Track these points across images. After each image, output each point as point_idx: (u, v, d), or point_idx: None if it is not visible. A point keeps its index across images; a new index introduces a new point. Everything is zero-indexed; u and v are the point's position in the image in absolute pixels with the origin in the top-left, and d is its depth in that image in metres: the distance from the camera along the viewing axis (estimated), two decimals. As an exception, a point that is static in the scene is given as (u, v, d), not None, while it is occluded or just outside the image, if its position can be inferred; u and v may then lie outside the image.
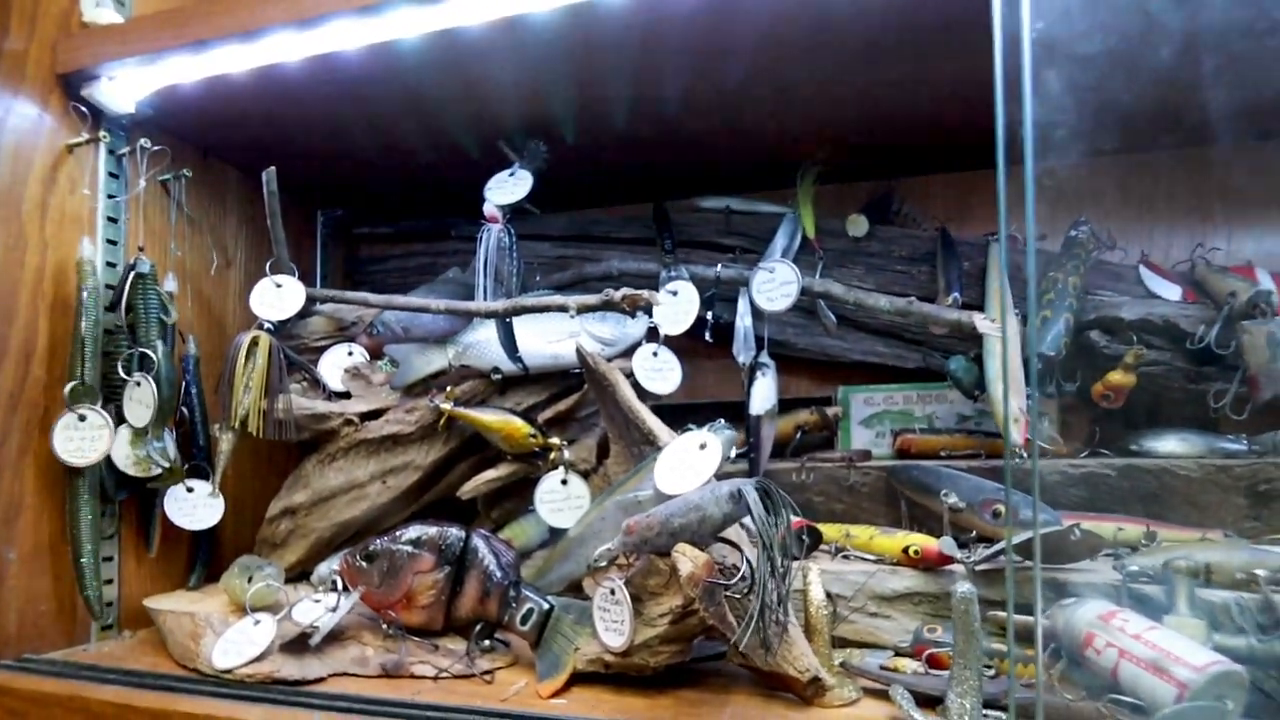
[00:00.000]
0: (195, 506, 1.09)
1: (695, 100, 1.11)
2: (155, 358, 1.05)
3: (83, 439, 0.98)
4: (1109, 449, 1.11)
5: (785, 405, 1.22)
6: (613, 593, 0.80)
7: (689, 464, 0.82)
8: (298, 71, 1.01)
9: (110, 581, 1.06)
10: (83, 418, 0.99)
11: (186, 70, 1.02)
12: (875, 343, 1.31)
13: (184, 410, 1.12)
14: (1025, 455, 0.98)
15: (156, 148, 1.11)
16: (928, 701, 0.74)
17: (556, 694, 0.81)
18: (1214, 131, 1.12)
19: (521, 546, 1.09)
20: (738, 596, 0.75)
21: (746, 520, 0.79)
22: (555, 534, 1.09)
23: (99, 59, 1.01)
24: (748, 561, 0.75)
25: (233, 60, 0.99)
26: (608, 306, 0.99)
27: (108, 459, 1.02)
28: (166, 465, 1.06)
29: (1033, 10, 0.61)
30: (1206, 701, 0.63)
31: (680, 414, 1.06)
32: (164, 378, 1.05)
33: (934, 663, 0.82)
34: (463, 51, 0.97)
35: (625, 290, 0.98)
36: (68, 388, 0.99)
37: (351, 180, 1.42)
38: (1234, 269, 1.14)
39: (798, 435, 1.25)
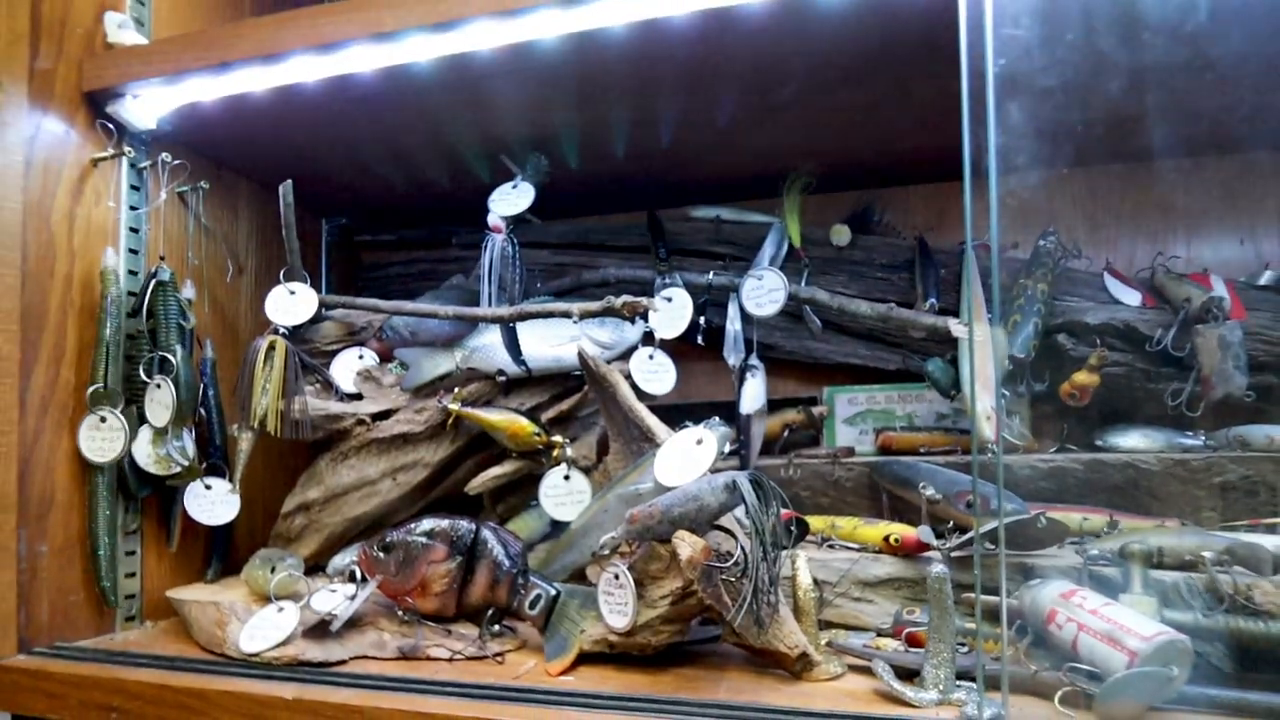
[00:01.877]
0: (213, 503, 1.14)
1: (688, 118, 1.18)
2: (175, 361, 1.10)
3: (103, 439, 1.04)
4: (1076, 445, 1.18)
5: (773, 405, 1.28)
6: (617, 577, 0.86)
7: (687, 458, 0.89)
8: (312, 91, 1.06)
9: (133, 574, 1.11)
10: (103, 419, 1.04)
11: (207, 90, 1.07)
12: (858, 346, 1.38)
13: (202, 411, 1.16)
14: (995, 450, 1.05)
15: (176, 161, 1.16)
16: (907, 675, 0.80)
17: (564, 672, 0.87)
18: (1171, 150, 1.21)
19: (525, 539, 1.15)
20: (732, 580, 0.82)
21: (739, 512, 0.86)
22: (557, 527, 1.15)
23: (124, 78, 1.06)
24: (741, 548, 0.82)
25: (252, 81, 1.05)
26: (609, 312, 1.05)
27: (130, 457, 1.07)
28: (185, 463, 1.11)
29: (995, 47, 0.68)
30: (1154, 667, 0.70)
31: (673, 414, 1.12)
32: (183, 380, 1.10)
33: (912, 641, 0.88)
34: (471, 74, 1.03)
35: (626, 297, 1.04)
36: (89, 391, 1.05)
37: (356, 190, 1.48)
38: (1191, 276, 1.22)
39: (785, 433, 1.32)
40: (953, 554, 0.96)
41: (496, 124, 1.20)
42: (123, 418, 1.05)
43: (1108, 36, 0.79)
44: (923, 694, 0.77)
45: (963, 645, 0.84)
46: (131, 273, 1.14)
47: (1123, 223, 1.34)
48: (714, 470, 0.88)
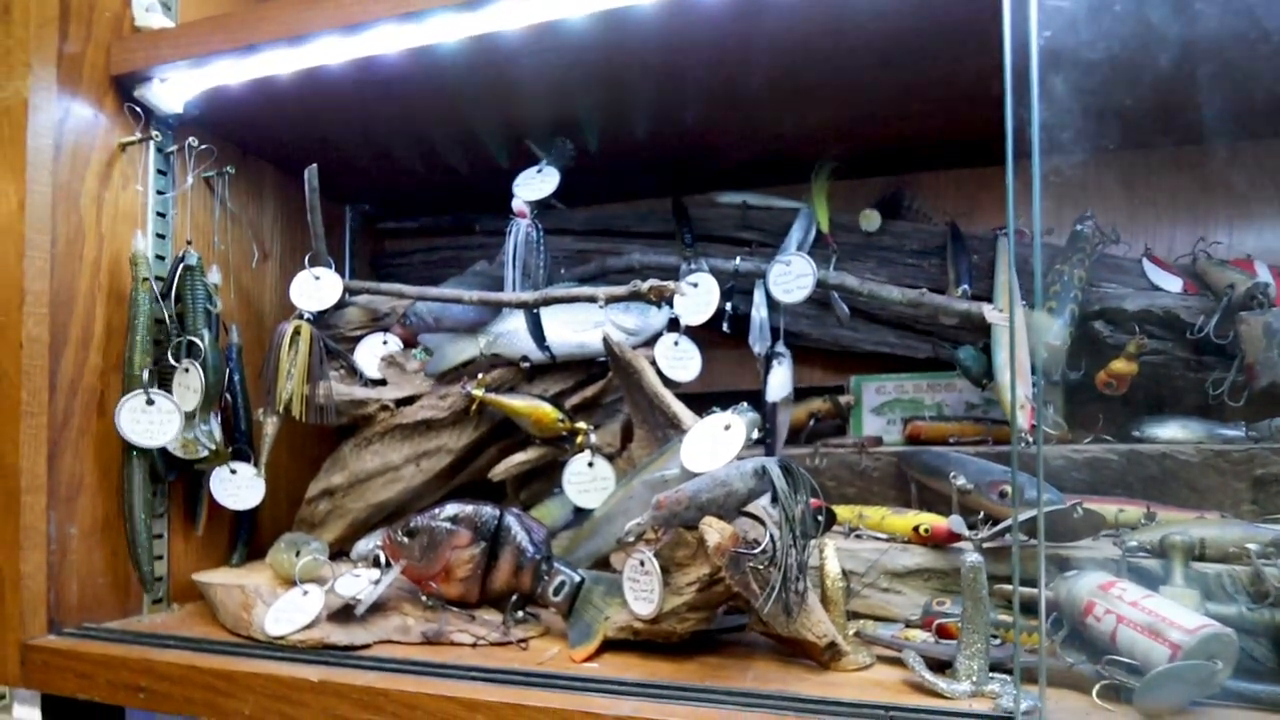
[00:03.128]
0: (239, 487, 1.15)
1: (716, 100, 1.16)
2: (203, 346, 1.10)
3: (150, 422, 1.04)
4: (1112, 435, 1.15)
5: (799, 394, 1.26)
6: (643, 564, 0.85)
7: (715, 443, 0.88)
8: (337, 74, 1.06)
9: (160, 557, 1.12)
10: (151, 402, 1.04)
11: (233, 72, 1.07)
12: (886, 333, 1.35)
13: (227, 396, 1.17)
14: (1030, 440, 1.03)
15: (202, 146, 1.16)
16: (937, 666, 0.79)
17: (589, 659, 0.86)
18: (1214, 131, 1.17)
19: (549, 526, 1.14)
20: (760, 567, 0.80)
21: (764, 501, 0.85)
22: (580, 514, 1.14)
23: (151, 61, 1.06)
24: (770, 535, 0.81)
25: (277, 63, 1.04)
26: (635, 297, 1.04)
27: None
28: (213, 448, 1.11)
29: (1040, 20, 0.66)
30: (1198, 661, 0.68)
31: (696, 403, 1.11)
32: (211, 365, 1.10)
33: (942, 633, 0.86)
34: (497, 56, 1.01)
35: (653, 281, 1.03)
36: (145, 373, 1.05)
37: (379, 176, 1.47)
38: (1234, 262, 1.18)
39: (811, 422, 1.30)
40: (985, 544, 0.94)
41: (521, 108, 1.19)
42: (174, 400, 1.06)
43: (1158, 6, 0.76)
44: (955, 685, 0.75)
45: (995, 638, 0.82)
46: (159, 257, 1.14)
47: (1162, 207, 1.30)
48: (738, 459, 0.87)
